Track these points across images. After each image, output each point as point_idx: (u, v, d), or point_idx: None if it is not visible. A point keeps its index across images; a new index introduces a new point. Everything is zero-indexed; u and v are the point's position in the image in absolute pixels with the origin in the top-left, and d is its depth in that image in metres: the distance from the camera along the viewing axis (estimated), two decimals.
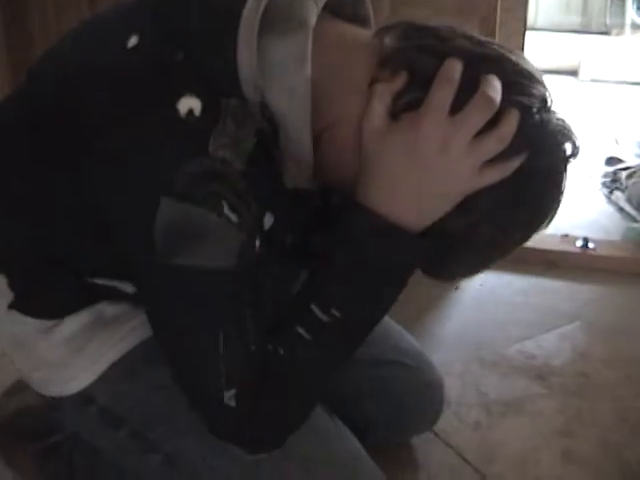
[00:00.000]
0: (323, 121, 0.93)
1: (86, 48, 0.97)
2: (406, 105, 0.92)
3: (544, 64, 4.32)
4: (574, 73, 4.42)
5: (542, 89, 0.96)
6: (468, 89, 0.90)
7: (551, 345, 2.07)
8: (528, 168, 0.94)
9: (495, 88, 0.90)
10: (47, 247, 1.04)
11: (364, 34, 1.00)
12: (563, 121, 0.97)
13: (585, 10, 4.95)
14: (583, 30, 4.90)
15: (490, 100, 0.89)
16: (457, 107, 0.90)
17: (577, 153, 0.97)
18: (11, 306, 1.11)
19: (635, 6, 4.72)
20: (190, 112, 0.85)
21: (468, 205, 0.94)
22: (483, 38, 0.98)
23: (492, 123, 0.90)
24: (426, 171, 0.91)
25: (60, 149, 0.94)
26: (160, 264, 0.89)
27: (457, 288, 2.33)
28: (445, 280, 1.09)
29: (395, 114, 0.92)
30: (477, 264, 1.05)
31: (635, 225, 2.67)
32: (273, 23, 0.89)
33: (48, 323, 1.10)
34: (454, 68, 0.91)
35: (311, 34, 0.90)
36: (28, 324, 1.11)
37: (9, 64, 2.53)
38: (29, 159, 1.00)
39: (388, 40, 0.96)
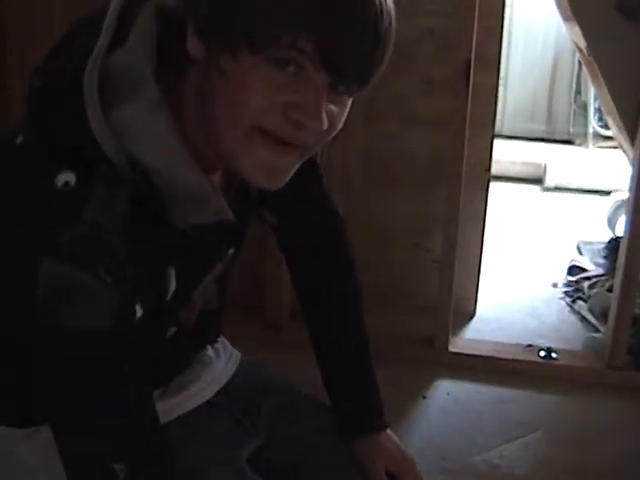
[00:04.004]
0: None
1: None
2: None
3: (509, 171, 4.49)
4: (539, 181, 4.55)
5: None
6: None
7: (514, 455, 2.13)
8: None
9: None
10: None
11: None
12: None
13: (549, 119, 5.13)
14: (547, 138, 5.07)
15: None
16: None
17: None
18: None
19: (596, 117, 4.90)
20: (66, 184, 0.91)
21: None
22: None
23: None
24: None
25: None
26: (41, 326, 0.91)
27: (425, 397, 2.40)
28: None
29: None
30: None
31: (596, 335, 2.75)
32: (115, 87, 0.94)
33: (28, 430, 1.13)
34: None
35: (152, 84, 0.94)
36: (8, 433, 1.15)
37: None
38: None
39: None
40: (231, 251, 1.20)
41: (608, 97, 2.56)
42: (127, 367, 0.97)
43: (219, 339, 1.39)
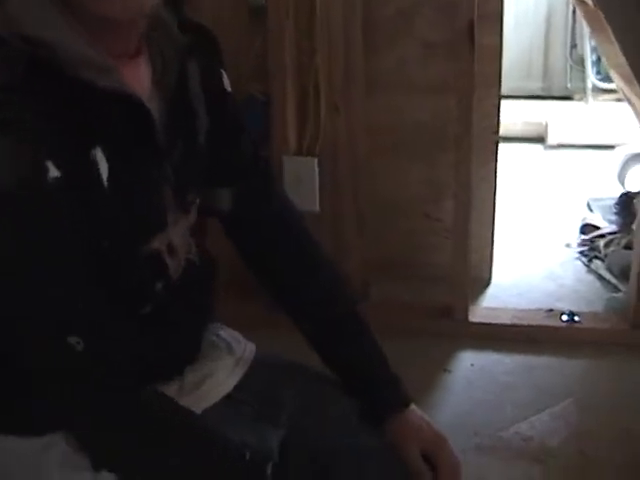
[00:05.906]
0: None
1: None
2: None
3: (511, 132, 4.41)
4: (541, 140, 4.48)
5: None
6: None
7: (546, 425, 2.07)
8: None
9: None
10: None
11: None
12: None
13: (546, 75, 5.06)
14: (545, 95, 4.99)
15: None
16: None
17: None
18: None
19: (595, 70, 4.82)
20: None
21: None
22: None
23: None
24: None
25: None
26: None
27: (448, 370, 2.34)
28: None
29: None
30: None
31: (617, 294, 2.69)
32: None
33: (43, 440, 1.09)
34: None
35: None
36: (26, 445, 1.10)
37: None
38: None
39: None
40: (197, 200, 1.19)
41: (615, 49, 2.48)
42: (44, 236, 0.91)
43: (226, 330, 1.35)
